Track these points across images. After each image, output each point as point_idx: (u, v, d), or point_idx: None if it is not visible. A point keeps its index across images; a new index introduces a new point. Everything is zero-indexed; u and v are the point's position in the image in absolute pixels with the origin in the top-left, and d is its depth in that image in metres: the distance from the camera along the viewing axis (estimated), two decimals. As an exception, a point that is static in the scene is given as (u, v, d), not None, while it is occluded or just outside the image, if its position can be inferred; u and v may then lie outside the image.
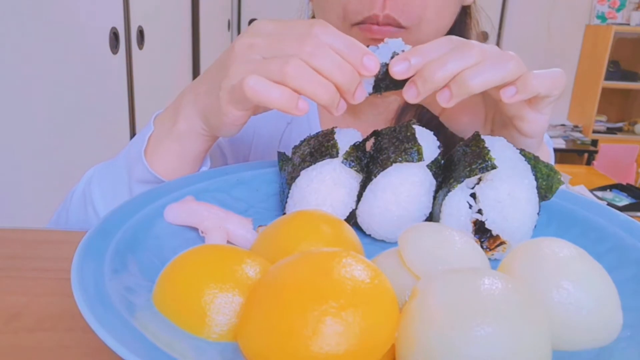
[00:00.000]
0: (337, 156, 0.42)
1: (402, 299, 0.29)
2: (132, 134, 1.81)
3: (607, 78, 3.46)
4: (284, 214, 0.45)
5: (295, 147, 0.48)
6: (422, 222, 0.42)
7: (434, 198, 0.44)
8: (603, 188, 2.37)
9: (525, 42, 3.45)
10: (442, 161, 0.45)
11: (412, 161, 0.41)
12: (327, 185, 0.43)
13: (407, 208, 0.42)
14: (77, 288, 0.27)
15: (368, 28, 0.59)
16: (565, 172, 2.48)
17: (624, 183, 2.42)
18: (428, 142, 0.43)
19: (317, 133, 0.47)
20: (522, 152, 0.43)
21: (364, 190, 0.43)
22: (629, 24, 3.54)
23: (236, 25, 3.28)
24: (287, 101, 0.40)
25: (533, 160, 0.43)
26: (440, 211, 0.42)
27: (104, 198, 0.53)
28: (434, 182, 0.43)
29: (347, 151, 0.43)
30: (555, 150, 0.75)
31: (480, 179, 0.41)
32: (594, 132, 3.63)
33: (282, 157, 0.50)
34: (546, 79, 0.43)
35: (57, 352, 0.32)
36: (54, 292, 0.38)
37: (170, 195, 0.43)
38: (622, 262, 0.37)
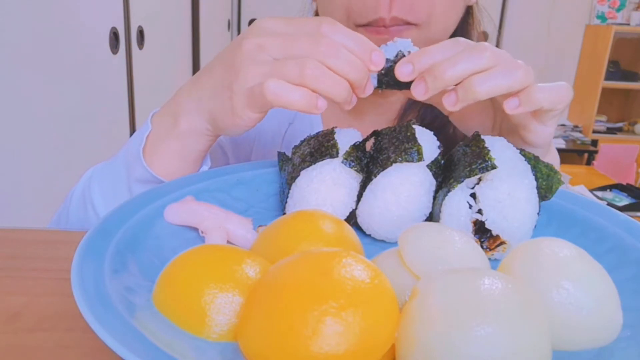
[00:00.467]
0: (337, 156, 0.42)
1: (402, 299, 0.29)
2: (132, 134, 1.81)
3: (607, 78, 3.46)
4: (284, 214, 0.44)
5: (295, 147, 0.48)
6: (422, 222, 0.42)
7: (434, 198, 0.44)
8: (603, 188, 2.37)
9: (525, 42, 3.45)
10: (442, 161, 0.45)
11: (412, 161, 0.41)
12: (327, 185, 0.43)
13: (407, 208, 0.42)
14: (77, 288, 0.27)
15: (375, 31, 0.59)
16: (565, 172, 2.47)
17: (624, 183, 2.42)
18: (428, 142, 0.43)
19: (317, 133, 0.47)
20: (522, 152, 0.43)
21: (364, 190, 0.43)
22: (629, 24, 3.54)
23: (236, 25, 3.28)
24: (307, 102, 0.40)
25: (533, 160, 0.43)
26: (440, 211, 0.42)
27: (103, 198, 0.53)
28: (434, 182, 0.43)
29: (347, 151, 0.43)
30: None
31: (480, 179, 0.41)
32: (594, 132, 3.63)
33: (282, 157, 0.50)
34: (551, 93, 0.43)
35: (57, 352, 0.32)
36: (54, 292, 0.38)
37: (170, 195, 0.43)
38: (622, 262, 0.37)
